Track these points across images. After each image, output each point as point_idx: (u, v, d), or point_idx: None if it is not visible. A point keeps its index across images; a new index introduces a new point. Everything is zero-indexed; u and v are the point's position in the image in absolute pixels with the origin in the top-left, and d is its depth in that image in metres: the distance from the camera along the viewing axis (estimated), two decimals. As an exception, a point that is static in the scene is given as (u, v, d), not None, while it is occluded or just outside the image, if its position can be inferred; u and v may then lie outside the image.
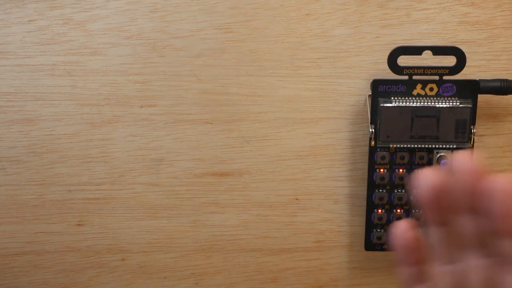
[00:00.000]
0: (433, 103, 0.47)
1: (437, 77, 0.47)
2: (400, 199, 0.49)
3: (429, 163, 0.49)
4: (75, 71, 0.51)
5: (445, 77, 0.47)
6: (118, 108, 0.51)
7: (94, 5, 0.50)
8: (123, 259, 0.54)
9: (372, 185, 0.50)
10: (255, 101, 0.51)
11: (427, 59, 0.48)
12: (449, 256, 0.27)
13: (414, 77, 0.47)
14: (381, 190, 0.50)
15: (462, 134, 0.47)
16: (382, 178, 0.49)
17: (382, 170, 0.49)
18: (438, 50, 0.47)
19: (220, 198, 0.53)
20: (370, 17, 0.50)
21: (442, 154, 0.48)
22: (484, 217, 0.24)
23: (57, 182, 0.53)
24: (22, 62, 0.50)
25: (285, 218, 0.53)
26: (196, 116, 0.51)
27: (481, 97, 0.48)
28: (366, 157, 0.50)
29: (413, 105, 0.47)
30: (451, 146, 0.48)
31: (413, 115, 0.47)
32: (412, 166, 0.49)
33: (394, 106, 0.47)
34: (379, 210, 0.50)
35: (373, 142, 0.49)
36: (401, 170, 0.49)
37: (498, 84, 0.48)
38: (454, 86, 0.47)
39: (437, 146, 0.48)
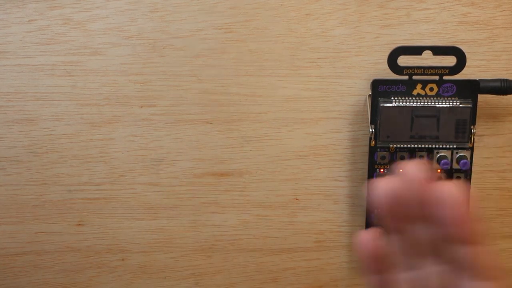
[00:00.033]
0: (433, 103, 0.47)
1: (437, 77, 0.47)
2: (400, 199, 0.49)
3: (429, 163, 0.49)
4: (75, 71, 0.51)
5: (445, 77, 0.47)
6: (118, 108, 0.51)
7: (94, 5, 0.50)
8: (123, 259, 0.54)
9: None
10: (255, 101, 0.51)
11: (427, 59, 0.48)
12: (409, 264, 0.27)
13: (414, 77, 0.47)
14: (381, 190, 0.50)
15: (462, 134, 0.47)
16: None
17: (382, 170, 0.49)
18: (438, 50, 0.47)
19: (220, 198, 0.53)
20: (370, 17, 0.50)
21: (442, 154, 0.48)
22: (436, 225, 0.24)
23: (57, 182, 0.53)
24: (22, 62, 0.50)
25: (285, 218, 0.53)
26: (196, 116, 0.51)
27: (481, 97, 0.48)
28: (366, 157, 0.50)
29: (413, 105, 0.47)
30: (451, 146, 0.48)
31: (413, 115, 0.47)
32: (412, 166, 0.49)
33: (394, 106, 0.47)
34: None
35: (373, 142, 0.49)
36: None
37: (498, 84, 0.48)
38: (454, 86, 0.47)
39: (437, 146, 0.48)
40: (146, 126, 0.52)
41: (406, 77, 0.47)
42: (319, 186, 0.53)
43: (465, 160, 0.48)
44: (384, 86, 0.48)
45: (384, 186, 0.25)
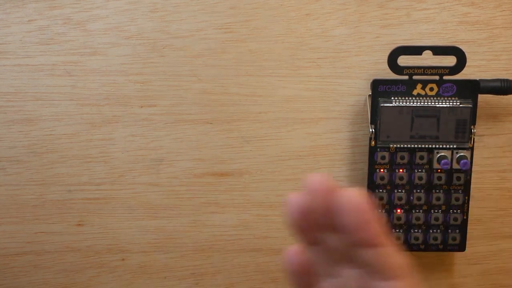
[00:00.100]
0: (433, 103, 0.47)
1: (437, 77, 0.47)
2: (400, 199, 0.49)
3: (429, 163, 0.49)
4: (75, 71, 0.51)
5: (445, 77, 0.47)
6: (118, 108, 0.51)
7: (94, 5, 0.50)
8: (123, 259, 0.54)
9: (372, 185, 0.50)
10: (255, 101, 0.51)
11: (427, 59, 0.48)
12: (329, 272, 0.28)
13: (414, 77, 0.47)
14: (381, 190, 0.50)
15: (462, 134, 0.47)
16: (382, 178, 0.49)
17: (382, 170, 0.49)
18: (438, 50, 0.47)
19: (220, 198, 0.53)
20: (370, 17, 0.50)
21: (442, 154, 0.48)
22: (343, 232, 0.25)
23: (57, 182, 0.53)
24: (22, 62, 0.50)
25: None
26: (196, 116, 0.51)
27: (481, 97, 0.48)
28: (366, 157, 0.50)
29: (413, 105, 0.47)
30: (451, 146, 0.48)
31: (413, 115, 0.47)
32: (412, 166, 0.49)
33: (394, 106, 0.47)
34: (379, 210, 0.50)
35: (373, 142, 0.49)
36: (401, 170, 0.49)
37: (498, 84, 0.48)
38: (454, 86, 0.47)
39: (437, 146, 0.48)
40: (146, 126, 0.52)
41: (406, 77, 0.47)
42: (319, 186, 0.53)
43: (465, 160, 0.48)
44: (384, 86, 0.48)
45: (293, 201, 0.26)
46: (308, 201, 0.26)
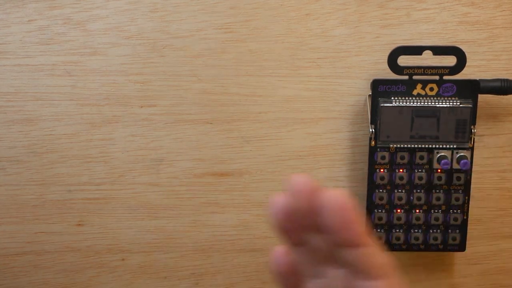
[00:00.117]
0: (433, 103, 0.47)
1: (437, 77, 0.47)
2: (400, 199, 0.49)
3: (429, 163, 0.49)
4: (75, 71, 0.51)
5: (445, 77, 0.47)
6: (118, 108, 0.51)
7: (94, 5, 0.50)
8: (123, 259, 0.54)
9: (372, 185, 0.50)
10: (255, 101, 0.51)
11: (427, 59, 0.48)
12: (315, 272, 0.28)
13: (414, 77, 0.47)
14: (381, 190, 0.50)
15: (462, 134, 0.47)
16: (382, 178, 0.49)
17: (382, 170, 0.49)
18: (438, 50, 0.47)
19: (220, 198, 0.53)
20: (370, 17, 0.50)
21: (442, 154, 0.48)
22: (326, 232, 0.25)
23: (57, 182, 0.53)
24: (22, 62, 0.50)
25: (285, 218, 0.53)
26: (196, 116, 0.51)
27: (481, 97, 0.48)
28: (366, 157, 0.49)
29: (413, 105, 0.47)
30: (451, 146, 0.48)
31: (413, 115, 0.47)
32: (412, 166, 0.49)
33: (394, 106, 0.47)
34: (379, 210, 0.50)
35: (373, 142, 0.49)
36: (401, 170, 0.49)
37: (498, 84, 0.48)
38: (454, 86, 0.47)
39: (437, 146, 0.48)
40: (146, 126, 0.52)
41: (406, 77, 0.47)
42: (319, 186, 0.53)
43: (465, 160, 0.48)
44: (384, 86, 0.48)
45: (276, 202, 0.27)
46: (292, 202, 0.26)
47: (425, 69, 0.47)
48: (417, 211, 0.50)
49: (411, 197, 0.50)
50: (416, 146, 0.48)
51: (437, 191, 0.49)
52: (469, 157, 0.48)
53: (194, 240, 0.54)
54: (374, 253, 0.26)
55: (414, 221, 0.50)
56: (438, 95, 0.47)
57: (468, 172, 0.49)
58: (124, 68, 0.51)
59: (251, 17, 0.50)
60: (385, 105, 0.47)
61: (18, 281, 0.55)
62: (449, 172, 0.49)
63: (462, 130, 0.47)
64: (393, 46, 0.47)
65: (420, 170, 0.49)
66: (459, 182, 0.49)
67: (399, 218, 0.50)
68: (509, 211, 0.53)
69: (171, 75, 0.51)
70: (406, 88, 0.47)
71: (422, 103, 0.47)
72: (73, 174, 0.52)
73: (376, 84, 0.48)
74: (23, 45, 0.50)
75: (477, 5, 0.49)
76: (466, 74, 0.47)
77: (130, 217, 0.53)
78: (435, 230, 0.50)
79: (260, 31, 0.50)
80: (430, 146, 0.48)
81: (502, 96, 0.49)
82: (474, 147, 0.48)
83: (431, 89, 0.47)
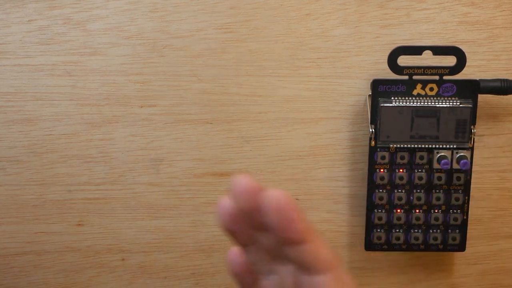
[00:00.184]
0: (433, 103, 0.47)
1: (437, 77, 0.47)
2: (400, 199, 0.49)
3: (429, 163, 0.49)
4: (75, 71, 0.51)
5: (445, 77, 0.47)
6: (118, 108, 0.51)
7: (94, 5, 0.50)
8: (123, 259, 0.54)
9: (372, 185, 0.50)
10: (255, 101, 0.51)
11: (427, 59, 0.48)
12: (268, 269, 0.29)
13: (414, 77, 0.47)
14: (381, 190, 0.50)
15: (462, 134, 0.47)
16: (382, 178, 0.49)
17: (382, 170, 0.49)
18: (438, 50, 0.47)
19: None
20: (370, 17, 0.50)
21: (442, 154, 0.48)
22: (271, 230, 0.26)
23: (57, 182, 0.53)
24: (22, 62, 0.50)
25: (285, 218, 0.53)
26: (196, 116, 0.51)
27: (481, 97, 0.48)
28: (366, 157, 0.50)
29: (413, 105, 0.47)
30: (451, 146, 0.48)
31: (413, 115, 0.47)
32: (412, 166, 0.49)
33: (394, 106, 0.47)
34: (379, 210, 0.50)
35: (373, 142, 0.49)
36: (401, 170, 0.49)
37: (498, 84, 0.48)
38: (454, 86, 0.47)
39: (437, 146, 0.48)
40: (146, 126, 0.52)
41: (406, 77, 0.47)
42: (319, 186, 0.53)
43: (465, 160, 0.48)
44: (384, 86, 0.48)
45: (221, 205, 0.27)
46: (235, 204, 0.26)
47: (425, 69, 0.47)
48: (417, 211, 0.50)
49: (411, 197, 0.50)
50: (416, 146, 0.48)
51: (437, 191, 0.49)
52: (469, 157, 0.48)
53: (194, 240, 0.54)
54: (319, 248, 0.26)
55: (414, 221, 0.50)
56: (438, 95, 0.47)
57: (468, 172, 0.49)
58: (124, 68, 0.51)
59: (251, 17, 0.50)
60: (385, 105, 0.47)
61: (18, 281, 0.55)
62: (449, 172, 0.49)
63: (462, 130, 0.47)
64: (393, 46, 0.47)
65: (420, 170, 0.49)
66: (459, 182, 0.49)
67: (399, 218, 0.50)
68: (509, 211, 0.53)
69: (171, 75, 0.51)
70: (406, 88, 0.47)
71: (422, 103, 0.47)
72: (73, 174, 0.52)
73: (376, 84, 0.48)
74: (23, 45, 0.50)
75: (477, 5, 0.49)
76: (466, 74, 0.47)
77: (130, 217, 0.53)
78: (435, 230, 0.50)
79: (260, 31, 0.50)
80: (430, 146, 0.48)
81: (502, 96, 0.49)
82: (474, 147, 0.48)
83: (431, 89, 0.47)
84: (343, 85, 0.51)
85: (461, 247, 0.51)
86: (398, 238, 0.50)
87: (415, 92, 0.48)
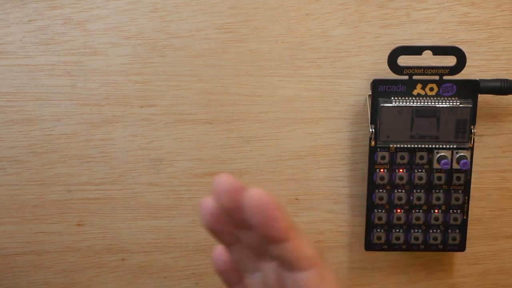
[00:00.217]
0: (433, 103, 0.47)
1: (437, 77, 0.47)
2: (400, 199, 0.49)
3: (429, 163, 0.49)
4: (75, 71, 0.51)
5: (445, 77, 0.47)
6: (118, 108, 0.51)
7: (94, 5, 0.50)
8: (123, 259, 0.54)
9: (372, 185, 0.50)
10: (255, 101, 0.51)
11: (427, 59, 0.48)
12: (252, 267, 0.30)
13: (414, 77, 0.47)
14: (381, 190, 0.50)
15: (462, 134, 0.47)
16: (382, 178, 0.49)
17: (382, 170, 0.49)
18: (438, 50, 0.47)
19: (220, 198, 0.53)
20: (370, 17, 0.50)
21: (442, 154, 0.48)
22: (253, 229, 0.26)
23: (57, 182, 0.53)
24: (22, 62, 0.50)
25: (285, 218, 0.53)
26: (196, 116, 0.51)
27: (481, 97, 0.48)
28: (366, 157, 0.50)
29: (413, 105, 0.47)
30: (451, 146, 0.48)
31: (413, 115, 0.47)
32: (412, 166, 0.49)
33: (394, 106, 0.47)
34: (379, 210, 0.50)
35: (373, 142, 0.49)
36: (401, 170, 0.49)
37: (498, 84, 0.48)
38: (454, 86, 0.47)
39: (437, 146, 0.48)
40: (146, 126, 0.52)
41: (406, 77, 0.47)
42: (319, 186, 0.53)
43: (465, 160, 0.48)
44: (384, 86, 0.48)
45: (203, 205, 0.28)
46: (217, 203, 0.27)
47: (425, 69, 0.47)
48: (417, 211, 0.50)
49: (411, 197, 0.50)
50: (416, 146, 0.48)
51: (437, 191, 0.49)
52: (469, 157, 0.48)
53: (194, 240, 0.54)
54: (300, 246, 0.27)
55: (414, 221, 0.50)
56: (438, 95, 0.47)
57: (468, 172, 0.49)
58: (124, 68, 0.51)
59: (251, 17, 0.50)
60: (385, 105, 0.47)
61: (18, 281, 0.55)
62: (449, 172, 0.49)
63: (462, 130, 0.47)
64: (393, 46, 0.47)
65: (420, 170, 0.49)
66: (459, 182, 0.49)
67: (399, 218, 0.50)
68: (509, 211, 0.53)
69: (171, 75, 0.51)
70: (406, 88, 0.47)
71: (422, 103, 0.47)
72: (73, 174, 0.52)
73: (376, 84, 0.48)
74: (23, 45, 0.50)
75: (477, 5, 0.49)
76: (466, 74, 0.47)
77: (130, 217, 0.53)
78: (435, 230, 0.50)
79: (260, 31, 0.50)
80: (430, 146, 0.48)
81: (502, 96, 0.49)
82: (474, 147, 0.48)
83: (431, 89, 0.47)
84: (343, 85, 0.51)
85: (461, 247, 0.51)
86: (398, 238, 0.50)
87: (415, 92, 0.48)
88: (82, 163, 0.52)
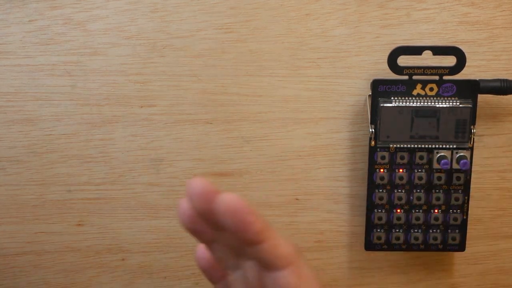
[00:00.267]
0: (433, 103, 0.47)
1: (437, 77, 0.47)
2: (400, 199, 0.49)
3: (429, 163, 0.49)
4: (75, 71, 0.51)
5: (445, 77, 0.47)
6: (118, 108, 0.51)
7: (94, 5, 0.50)
8: (123, 259, 0.54)
9: (372, 185, 0.50)
10: (255, 101, 0.51)
11: (427, 59, 0.48)
12: (234, 264, 0.30)
13: (414, 77, 0.47)
14: (381, 190, 0.50)
15: (462, 134, 0.47)
16: (382, 178, 0.49)
17: (382, 170, 0.49)
18: (438, 50, 0.47)
19: (220, 198, 0.53)
20: (370, 17, 0.50)
21: (442, 154, 0.48)
22: (228, 231, 0.26)
23: (57, 182, 0.53)
24: (22, 62, 0.50)
25: (285, 218, 0.53)
26: (196, 116, 0.51)
27: (481, 97, 0.48)
28: (366, 157, 0.50)
29: (413, 105, 0.47)
30: (451, 146, 0.48)
31: (413, 115, 0.47)
32: (412, 166, 0.49)
33: (394, 106, 0.47)
34: (379, 210, 0.50)
35: (373, 142, 0.49)
36: (401, 170, 0.49)
37: (498, 84, 0.48)
38: (454, 86, 0.47)
39: (437, 146, 0.48)
40: (146, 126, 0.52)
41: (406, 77, 0.47)
42: (319, 186, 0.53)
43: (465, 160, 0.48)
44: (384, 86, 0.48)
45: (181, 206, 0.28)
46: (192, 206, 0.27)
47: (425, 69, 0.47)
48: (417, 211, 0.50)
49: (411, 197, 0.50)
50: (416, 146, 0.48)
51: (437, 191, 0.49)
52: (469, 157, 0.48)
53: (194, 240, 0.54)
54: (276, 246, 0.27)
55: (414, 221, 0.50)
56: (438, 95, 0.48)
57: (468, 172, 0.49)
58: (124, 68, 0.51)
59: (251, 17, 0.50)
60: (385, 105, 0.47)
61: (18, 281, 0.55)
62: (449, 172, 0.49)
63: (462, 130, 0.47)
64: (393, 46, 0.47)
65: (420, 170, 0.49)
66: (459, 182, 0.49)
67: (399, 218, 0.50)
68: (509, 211, 0.53)
69: (171, 75, 0.51)
70: (406, 88, 0.47)
71: (422, 103, 0.47)
72: (73, 174, 0.52)
73: (376, 84, 0.48)
74: (23, 45, 0.50)
75: (477, 5, 0.49)
76: (466, 74, 0.47)
77: (130, 217, 0.53)
78: (435, 230, 0.50)
79: (260, 31, 0.50)
80: (430, 146, 0.48)
81: (502, 96, 0.49)
82: (474, 147, 0.48)
83: (431, 89, 0.47)
84: (343, 85, 0.51)
85: (461, 247, 0.51)
86: (398, 238, 0.50)
87: (415, 92, 0.48)
88: (82, 163, 0.52)
